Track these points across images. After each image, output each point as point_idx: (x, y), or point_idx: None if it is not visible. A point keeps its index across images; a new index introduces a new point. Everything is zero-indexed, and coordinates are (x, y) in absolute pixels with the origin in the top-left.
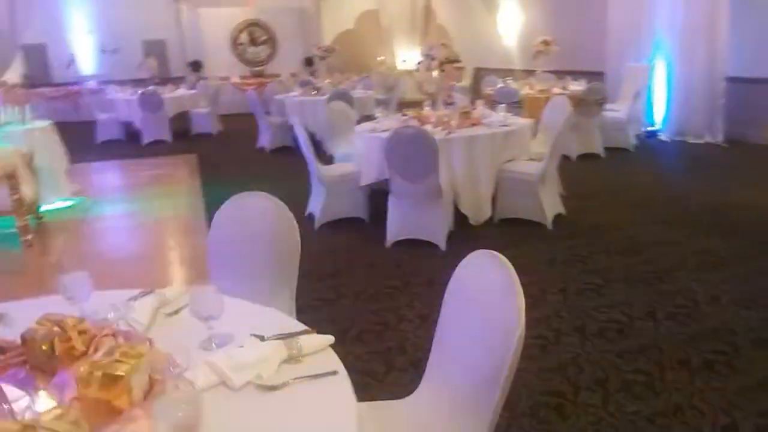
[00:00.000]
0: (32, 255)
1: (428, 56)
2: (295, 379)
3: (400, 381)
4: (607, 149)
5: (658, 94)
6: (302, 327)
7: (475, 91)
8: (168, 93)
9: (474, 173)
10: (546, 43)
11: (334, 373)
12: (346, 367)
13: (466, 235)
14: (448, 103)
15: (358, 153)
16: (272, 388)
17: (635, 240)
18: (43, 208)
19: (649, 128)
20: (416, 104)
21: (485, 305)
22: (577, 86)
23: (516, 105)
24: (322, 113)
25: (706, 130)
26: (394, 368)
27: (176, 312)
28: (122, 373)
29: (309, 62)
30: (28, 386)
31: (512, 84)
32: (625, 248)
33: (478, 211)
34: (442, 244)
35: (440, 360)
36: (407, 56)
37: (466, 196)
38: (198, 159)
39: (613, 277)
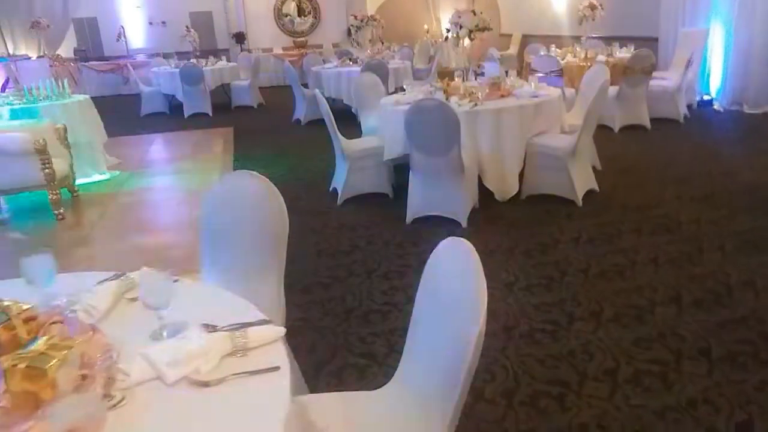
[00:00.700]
0: (63, 228)
1: (456, 24)
2: (234, 374)
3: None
4: (654, 120)
5: (714, 61)
6: (260, 317)
7: (521, 60)
8: (209, 66)
9: (501, 147)
10: (592, 7)
11: (276, 369)
12: (347, 348)
13: (491, 212)
14: (478, 74)
15: (382, 127)
16: (206, 384)
17: (670, 219)
18: (80, 181)
19: (704, 97)
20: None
21: (450, 298)
22: (624, 53)
23: (556, 74)
24: None
25: (764, 99)
26: (394, 351)
27: None
28: (45, 366)
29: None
30: None
31: (556, 52)
32: (657, 227)
33: (504, 187)
34: (464, 222)
35: (409, 353)
36: None
37: (492, 171)
38: (234, 132)
39: (640, 258)
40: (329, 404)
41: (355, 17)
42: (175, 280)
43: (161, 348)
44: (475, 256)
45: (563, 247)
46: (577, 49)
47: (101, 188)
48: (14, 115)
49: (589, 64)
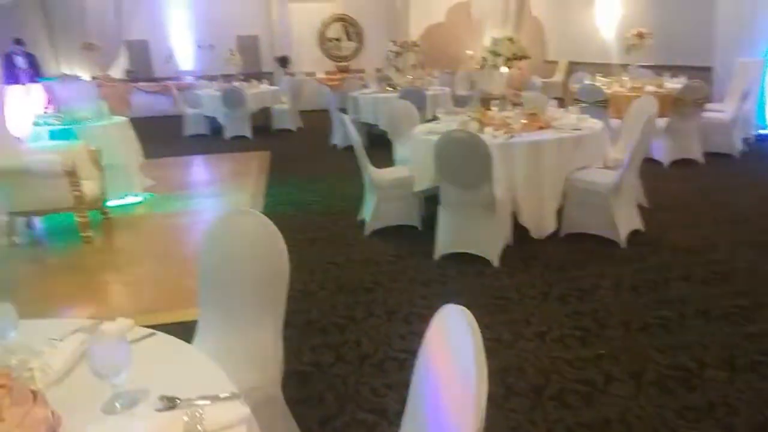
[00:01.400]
0: (89, 251)
1: (492, 52)
2: None
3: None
4: (707, 155)
5: None
6: (229, 390)
7: (566, 88)
8: (251, 89)
9: (537, 182)
10: (640, 35)
11: None
12: (357, 401)
13: (526, 250)
14: (515, 104)
15: (413, 156)
16: None
17: (725, 266)
18: (113, 203)
19: (761, 131)
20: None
21: (444, 385)
22: (674, 83)
23: (601, 104)
24: None
25: None
26: None
27: None
28: None
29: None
30: None
31: (601, 80)
32: (709, 275)
33: (541, 224)
34: (495, 261)
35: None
36: None
37: (528, 207)
38: (271, 156)
39: (689, 310)
40: None
41: (394, 43)
42: (151, 335)
43: (103, 429)
44: (476, 336)
45: (603, 294)
46: (625, 78)
47: (132, 210)
48: (53, 135)
49: (637, 94)
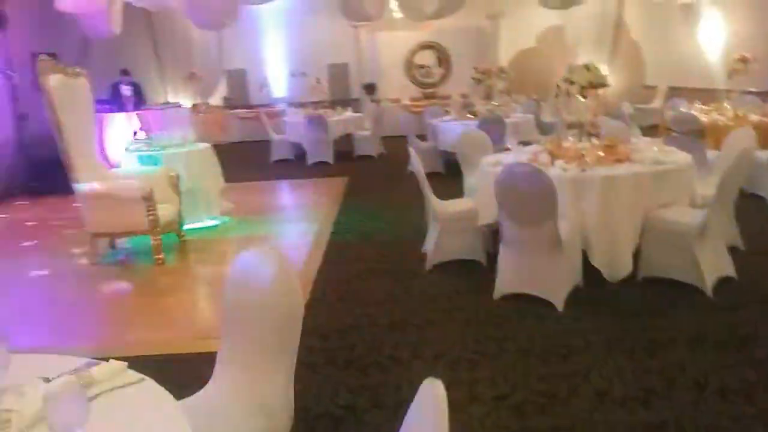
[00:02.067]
0: (160, 273)
1: (567, 80)
2: None
3: None
4: None
5: None
6: None
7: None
8: (334, 116)
9: (611, 220)
10: (743, 60)
11: None
12: None
13: (596, 294)
14: (592, 134)
15: (479, 188)
16: None
17: None
18: (190, 226)
19: None
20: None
21: None
22: None
23: (696, 134)
24: None
25: None
26: None
27: (95, 397)
28: None
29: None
30: None
31: (699, 107)
32: None
33: (616, 266)
34: (560, 304)
35: None
36: None
37: (600, 247)
38: (348, 181)
39: None
40: None
41: (476, 70)
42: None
43: None
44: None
45: (679, 349)
46: (726, 105)
47: (208, 234)
48: (141, 161)
49: (738, 123)
